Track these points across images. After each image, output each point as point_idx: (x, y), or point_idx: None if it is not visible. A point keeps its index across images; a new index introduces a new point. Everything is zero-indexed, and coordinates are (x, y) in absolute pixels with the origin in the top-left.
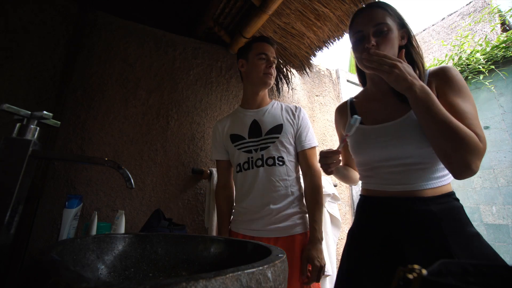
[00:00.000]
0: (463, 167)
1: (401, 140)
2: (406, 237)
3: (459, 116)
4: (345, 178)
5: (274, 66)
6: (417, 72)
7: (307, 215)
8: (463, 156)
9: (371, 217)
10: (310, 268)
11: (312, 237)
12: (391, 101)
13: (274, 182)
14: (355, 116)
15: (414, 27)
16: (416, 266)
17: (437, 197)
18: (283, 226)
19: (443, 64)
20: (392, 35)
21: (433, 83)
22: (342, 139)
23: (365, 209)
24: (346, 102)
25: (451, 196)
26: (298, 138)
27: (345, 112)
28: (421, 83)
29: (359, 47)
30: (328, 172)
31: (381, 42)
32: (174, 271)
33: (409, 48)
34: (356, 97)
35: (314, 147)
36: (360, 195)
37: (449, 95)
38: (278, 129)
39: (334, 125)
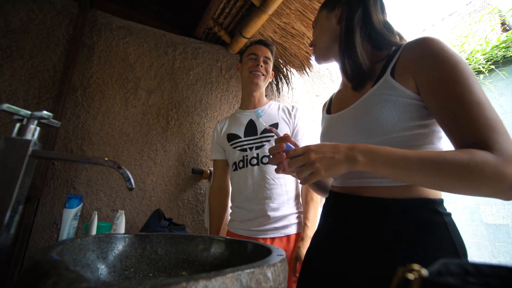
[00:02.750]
0: (499, 197)
1: (351, 130)
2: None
3: (462, 119)
4: (318, 186)
5: (265, 66)
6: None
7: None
8: (483, 193)
9: (328, 216)
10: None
11: (303, 235)
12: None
13: (268, 180)
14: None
15: (415, 28)
16: (416, 266)
17: (400, 201)
18: (278, 226)
19: (420, 37)
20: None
21: (411, 69)
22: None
23: (325, 206)
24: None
25: (426, 204)
26: (294, 137)
27: (325, 106)
28: (351, 146)
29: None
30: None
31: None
32: (174, 271)
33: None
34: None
35: None
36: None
37: (441, 85)
38: (274, 127)
39: None
